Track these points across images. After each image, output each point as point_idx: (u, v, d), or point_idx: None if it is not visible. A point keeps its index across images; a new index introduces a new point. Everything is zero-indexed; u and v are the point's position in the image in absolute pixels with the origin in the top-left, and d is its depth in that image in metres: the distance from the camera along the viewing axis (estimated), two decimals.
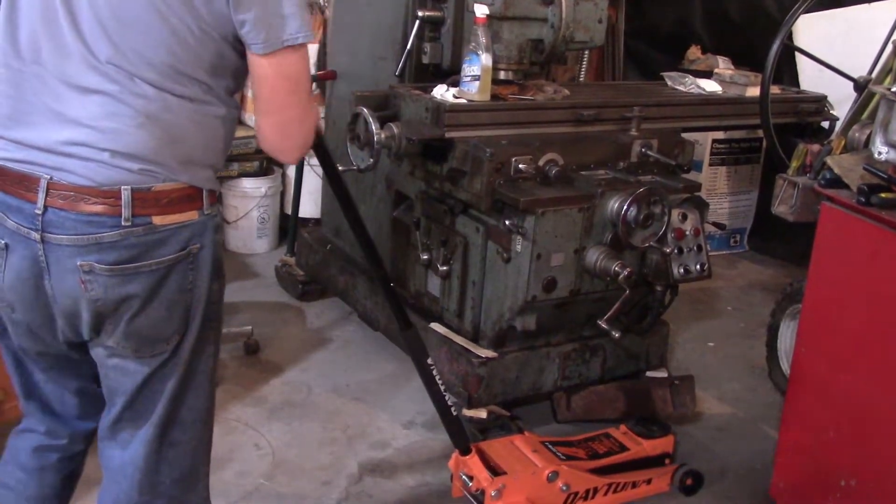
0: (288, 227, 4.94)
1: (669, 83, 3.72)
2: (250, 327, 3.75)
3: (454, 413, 2.59)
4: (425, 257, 3.25)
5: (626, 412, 3.07)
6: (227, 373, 3.52)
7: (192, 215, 1.67)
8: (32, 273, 1.64)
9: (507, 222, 2.88)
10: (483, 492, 2.61)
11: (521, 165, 2.89)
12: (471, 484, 2.65)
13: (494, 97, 3.04)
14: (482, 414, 3.05)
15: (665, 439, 2.95)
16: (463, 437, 2.63)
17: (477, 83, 2.95)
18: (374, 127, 2.93)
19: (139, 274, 1.63)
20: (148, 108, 1.60)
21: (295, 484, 2.85)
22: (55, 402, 1.94)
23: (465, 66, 2.99)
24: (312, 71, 4.74)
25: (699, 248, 3.08)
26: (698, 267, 3.07)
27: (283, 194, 4.98)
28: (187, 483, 1.86)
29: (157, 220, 1.63)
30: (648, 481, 2.88)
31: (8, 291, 1.69)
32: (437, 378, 2.53)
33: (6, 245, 1.64)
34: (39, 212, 1.59)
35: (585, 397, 3.14)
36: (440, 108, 2.95)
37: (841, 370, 2.40)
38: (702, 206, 3.12)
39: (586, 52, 4.47)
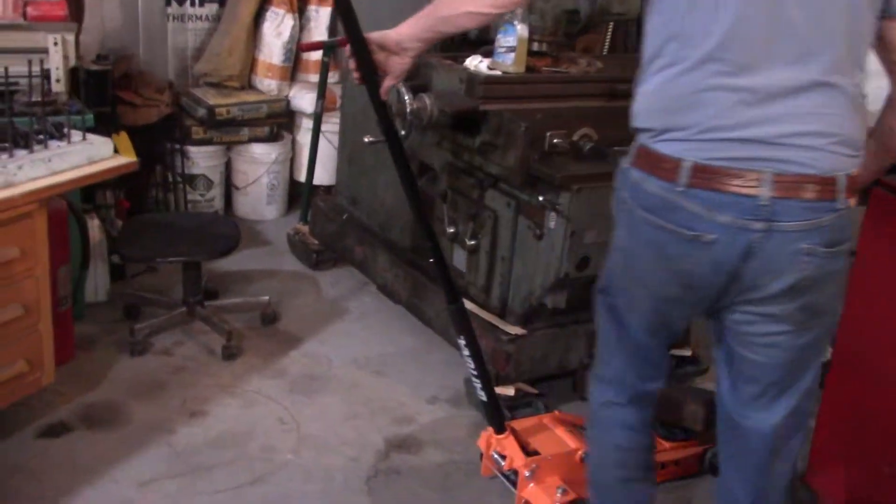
0: (297, 193, 4.89)
1: None
2: (267, 297, 3.69)
3: (494, 392, 2.55)
4: (451, 231, 3.19)
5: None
6: (244, 344, 3.46)
7: (854, 200, 1.75)
8: (729, 259, 1.72)
9: (540, 198, 2.82)
10: (516, 472, 2.59)
11: (555, 140, 2.83)
12: (503, 463, 2.62)
13: (529, 69, 2.97)
14: (510, 391, 3.02)
15: (688, 443, 2.91)
16: (499, 416, 2.59)
17: (513, 55, 2.88)
18: (407, 98, 2.85)
19: (841, 254, 1.76)
20: (854, 93, 1.68)
21: (322, 460, 2.81)
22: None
23: (499, 36, 2.91)
24: (325, 37, 4.66)
25: None
26: None
27: (292, 160, 4.89)
28: (797, 444, 2.00)
29: (852, 202, 1.73)
30: (677, 462, 2.86)
31: (680, 276, 1.80)
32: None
33: (714, 240, 1.71)
34: (765, 203, 1.66)
35: None
36: (475, 79, 2.87)
37: (885, 353, 2.37)
38: None
39: (611, 24, 4.38)
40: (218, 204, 4.71)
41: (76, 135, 2.71)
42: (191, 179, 4.55)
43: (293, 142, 4.86)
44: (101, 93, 3.67)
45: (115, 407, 3.00)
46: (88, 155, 2.68)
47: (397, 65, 2.10)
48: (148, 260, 3.71)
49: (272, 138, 4.70)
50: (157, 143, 4.36)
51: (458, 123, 2.97)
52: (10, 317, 2.50)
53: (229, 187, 4.81)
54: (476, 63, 2.96)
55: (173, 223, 3.63)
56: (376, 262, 3.74)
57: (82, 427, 2.87)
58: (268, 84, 4.66)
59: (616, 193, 1.92)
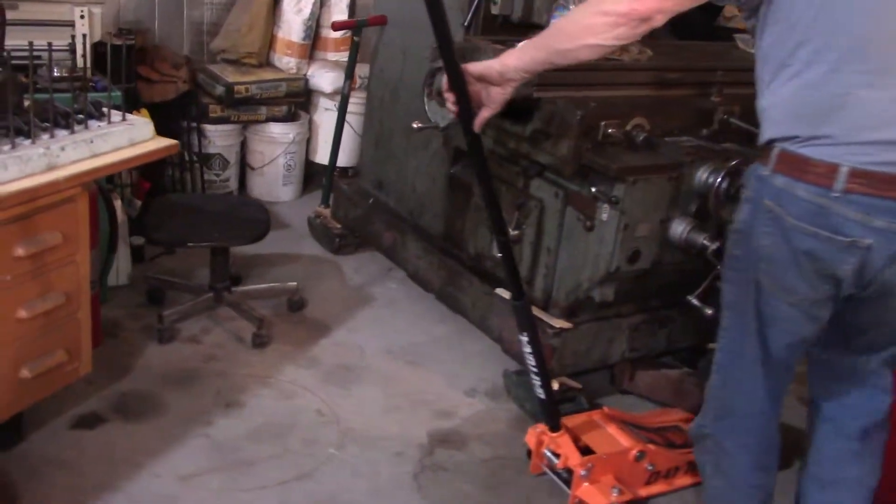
0: (311, 174, 4.79)
1: (741, 45, 3.57)
2: (295, 283, 3.59)
3: (552, 389, 2.48)
4: None
5: (693, 410, 2.94)
6: (273, 331, 3.37)
7: None
8: (880, 264, 1.72)
9: (592, 189, 2.75)
10: (570, 470, 2.53)
11: (610, 129, 2.75)
12: (556, 461, 2.56)
13: None
14: (553, 386, 2.95)
15: None
16: (555, 414, 2.53)
17: None
18: None
19: None
20: None
21: (366, 455, 2.74)
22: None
23: (553, 20, 2.82)
24: (345, 15, 4.54)
25: None
26: None
27: (309, 141, 4.77)
28: None
29: None
30: None
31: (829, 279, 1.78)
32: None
33: (869, 245, 1.70)
34: None
35: (654, 377, 3.05)
36: None
37: None
38: None
39: None
40: (233, 184, 4.60)
41: (116, 114, 2.60)
42: (206, 159, 4.43)
43: (310, 122, 4.74)
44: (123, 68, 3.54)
45: (149, 397, 2.90)
46: (130, 136, 2.56)
47: (498, 95, 2.04)
48: (179, 244, 3.59)
49: (290, 118, 4.59)
50: (174, 120, 4.23)
51: (507, 110, 2.87)
52: (52, 305, 2.39)
53: (244, 167, 4.69)
54: None
55: (199, 205, 3.51)
56: (406, 249, 3.65)
57: (117, 418, 2.78)
58: (287, 62, 4.54)
59: (752, 203, 1.87)
